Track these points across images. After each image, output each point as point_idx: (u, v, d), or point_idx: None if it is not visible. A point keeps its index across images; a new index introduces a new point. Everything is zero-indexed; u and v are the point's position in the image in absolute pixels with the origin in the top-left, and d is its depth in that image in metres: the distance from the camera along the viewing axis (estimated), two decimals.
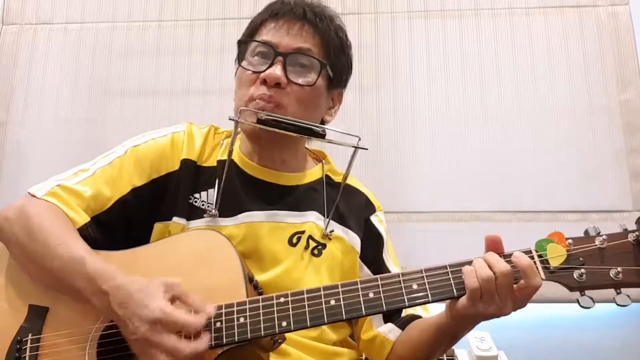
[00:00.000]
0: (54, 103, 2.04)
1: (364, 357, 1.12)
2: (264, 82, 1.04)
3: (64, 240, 0.93)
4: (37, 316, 0.93)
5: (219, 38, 2.06)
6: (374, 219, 1.18)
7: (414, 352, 1.03)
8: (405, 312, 1.08)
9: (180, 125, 1.14)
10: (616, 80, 1.91)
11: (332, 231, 1.09)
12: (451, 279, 0.85)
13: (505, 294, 0.82)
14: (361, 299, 0.85)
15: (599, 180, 1.85)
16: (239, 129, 1.09)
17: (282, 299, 0.86)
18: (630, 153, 1.86)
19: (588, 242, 0.85)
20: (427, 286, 0.85)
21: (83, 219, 0.99)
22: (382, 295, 0.85)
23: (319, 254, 1.06)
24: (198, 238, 0.98)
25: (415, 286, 0.85)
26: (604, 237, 0.84)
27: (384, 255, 1.15)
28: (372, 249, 1.14)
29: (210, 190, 1.07)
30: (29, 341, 0.91)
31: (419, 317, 1.08)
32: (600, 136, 1.88)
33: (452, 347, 1.51)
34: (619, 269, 0.82)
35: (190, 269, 0.92)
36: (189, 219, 1.05)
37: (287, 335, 0.90)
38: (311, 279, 1.03)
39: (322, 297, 0.86)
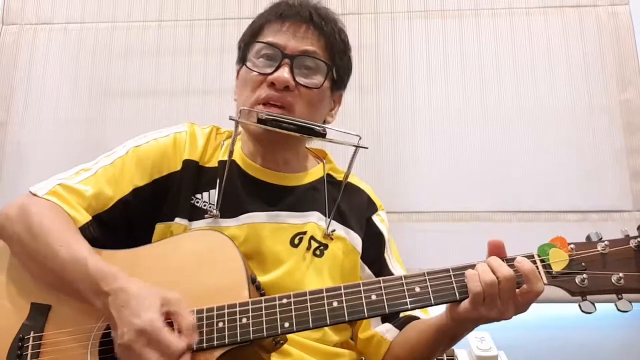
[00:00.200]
0: (54, 103, 2.03)
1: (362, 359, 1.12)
2: (272, 84, 1.04)
3: (65, 240, 0.93)
4: (39, 314, 0.93)
5: (219, 38, 2.05)
6: (375, 218, 1.18)
7: (412, 352, 1.03)
8: (403, 313, 1.08)
9: (182, 125, 1.14)
10: (616, 80, 1.91)
11: (334, 231, 1.09)
12: (454, 283, 0.86)
13: (508, 298, 0.83)
14: (363, 301, 0.86)
15: (599, 180, 1.84)
16: (240, 130, 1.09)
17: (284, 300, 0.87)
18: (630, 153, 1.86)
19: (590, 247, 0.85)
20: (429, 289, 0.85)
21: (84, 217, 1.00)
22: (384, 297, 0.85)
23: (321, 255, 1.07)
24: (200, 238, 0.99)
25: (417, 289, 0.86)
26: (606, 242, 0.85)
27: (385, 255, 1.16)
28: (374, 249, 1.14)
29: (212, 191, 1.07)
30: (30, 339, 0.91)
31: (417, 318, 1.08)
32: (600, 136, 1.88)
33: (452, 347, 1.51)
34: (621, 274, 0.82)
35: (192, 269, 0.93)
36: (190, 219, 1.05)
37: (288, 336, 0.91)
38: (313, 279, 1.04)
39: (325, 298, 0.86)
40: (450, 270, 0.86)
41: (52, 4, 2.12)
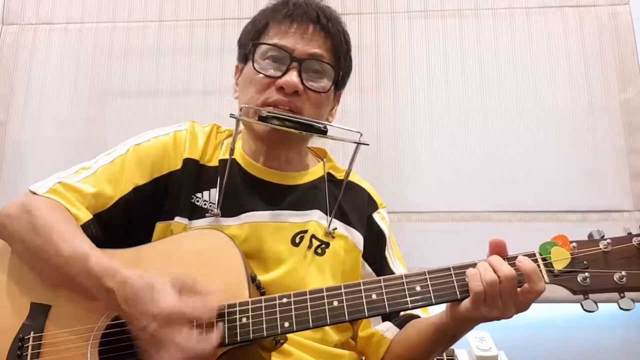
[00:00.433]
0: (54, 103, 2.03)
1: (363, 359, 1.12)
2: (281, 89, 1.04)
3: (68, 237, 0.93)
4: (39, 314, 0.93)
5: (219, 38, 2.05)
6: (376, 216, 1.18)
7: (412, 351, 1.03)
8: (403, 312, 1.08)
9: (183, 123, 1.14)
10: (616, 80, 1.91)
11: (335, 229, 1.09)
12: (455, 282, 0.85)
13: (509, 297, 0.83)
14: (364, 300, 0.85)
15: (599, 180, 1.85)
16: (241, 128, 1.09)
17: (284, 300, 0.86)
18: (630, 153, 1.86)
19: (592, 245, 0.85)
20: (430, 288, 0.85)
21: (86, 216, 1.00)
22: (385, 297, 0.85)
23: (322, 253, 1.07)
24: (201, 237, 0.98)
25: (418, 288, 0.85)
26: (608, 240, 0.84)
27: (386, 253, 1.15)
28: (375, 247, 1.14)
29: (213, 190, 1.07)
30: (30, 339, 0.91)
31: (417, 316, 1.08)
32: (600, 136, 1.88)
33: (452, 347, 1.51)
34: (623, 272, 0.82)
35: (192, 268, 0.92)
36: (191, 218, 1.05)
37: (289, 336, 0.91)
38: (314, 278, 1.03)
39: (325, 298, 0.86)
40: (451, 269, 0.86)
41: (52, 4, 2.12)
